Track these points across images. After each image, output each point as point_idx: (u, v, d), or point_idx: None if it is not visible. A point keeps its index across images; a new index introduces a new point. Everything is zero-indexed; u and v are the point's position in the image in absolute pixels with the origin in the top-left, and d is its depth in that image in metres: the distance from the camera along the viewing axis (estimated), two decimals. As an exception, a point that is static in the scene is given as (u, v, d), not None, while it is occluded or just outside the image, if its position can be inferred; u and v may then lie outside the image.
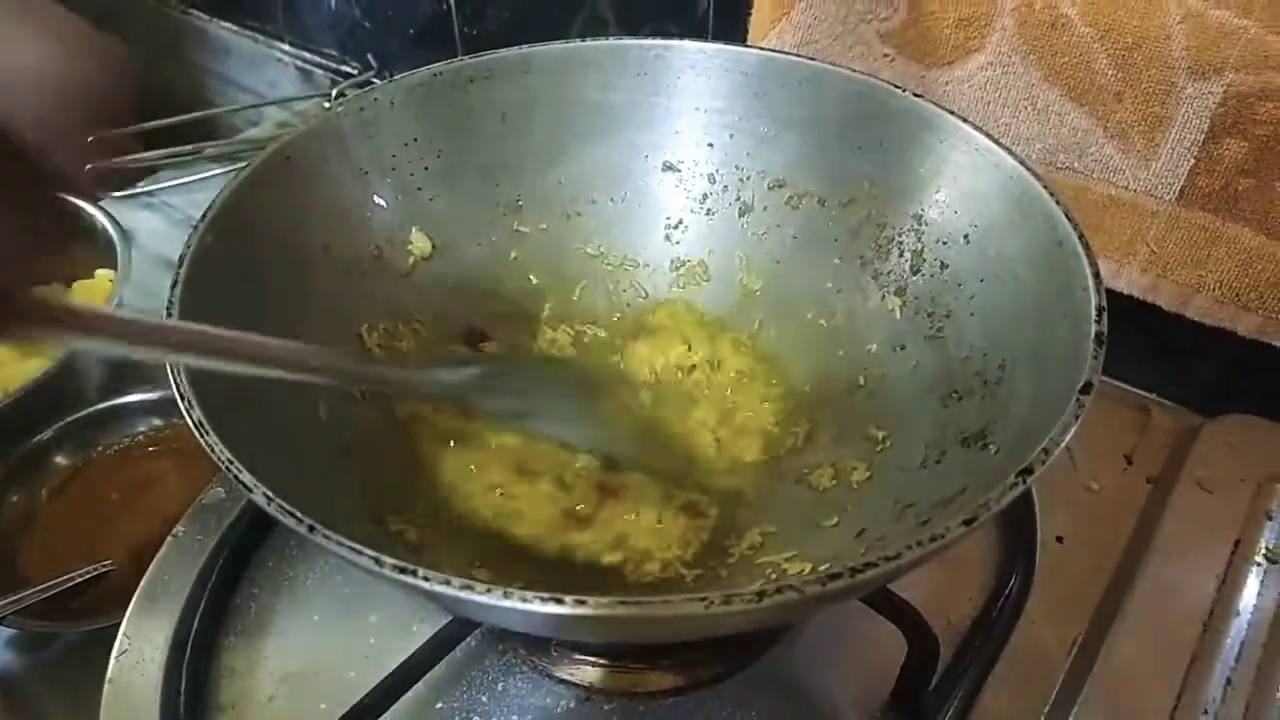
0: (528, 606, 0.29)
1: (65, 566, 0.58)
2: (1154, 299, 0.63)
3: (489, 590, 0.29)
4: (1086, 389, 0.36)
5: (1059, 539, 0.57)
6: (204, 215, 0.44)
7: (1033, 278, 0.45)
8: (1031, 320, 0.44)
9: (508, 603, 0.29)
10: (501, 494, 0.50)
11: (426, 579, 0.30)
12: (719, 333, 0.59)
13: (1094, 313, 0.39)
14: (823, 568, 0.42)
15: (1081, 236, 0.42)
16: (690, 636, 0.41)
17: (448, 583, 0.29)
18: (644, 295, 0.61)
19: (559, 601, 0.29)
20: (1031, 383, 0.42)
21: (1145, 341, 0.63)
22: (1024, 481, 0.33)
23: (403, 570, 0.30)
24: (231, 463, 0.33)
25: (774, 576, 0.43)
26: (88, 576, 0.58)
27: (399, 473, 0.49)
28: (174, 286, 0.40)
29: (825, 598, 0.30)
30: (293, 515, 0.32)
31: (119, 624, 0.51)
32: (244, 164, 0.48)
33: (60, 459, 0.65)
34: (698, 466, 0.52)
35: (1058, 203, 0.44)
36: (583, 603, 0.29)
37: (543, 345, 0.58)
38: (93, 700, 0.49)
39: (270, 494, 0.32)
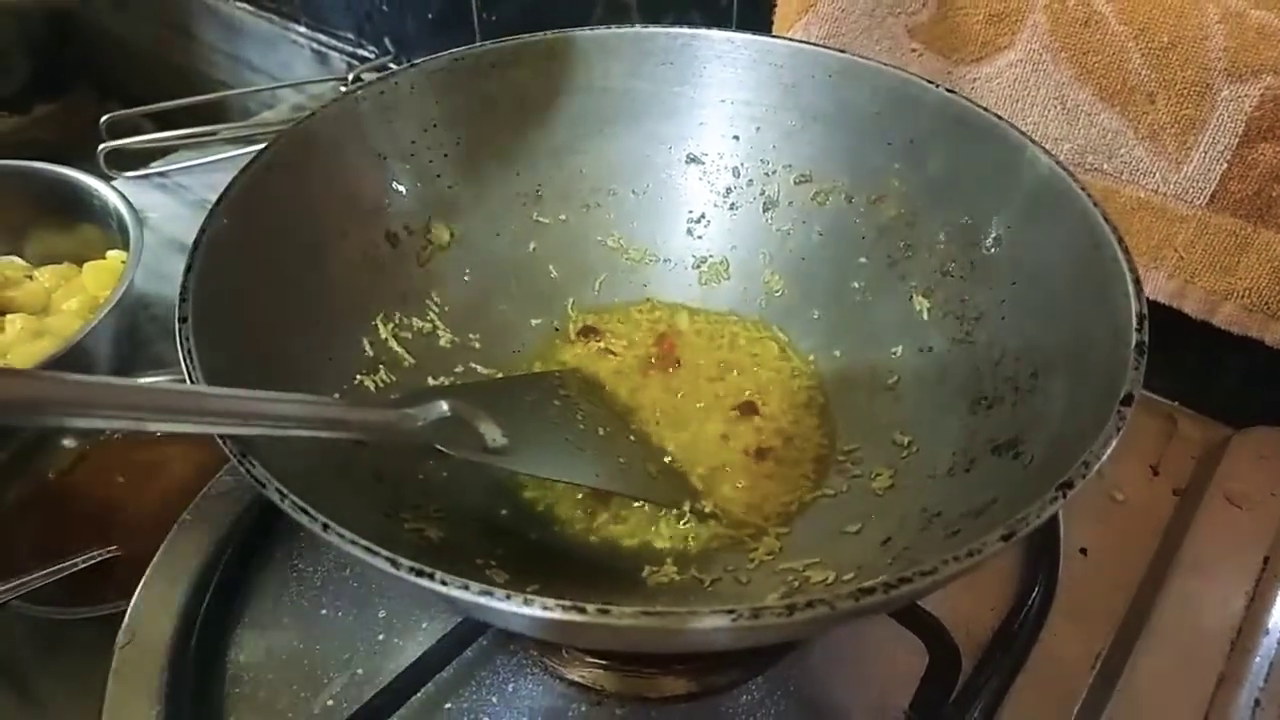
0: (549, 614, 0.28)
1: (70, 551, 0.57)
2: (1181, 305, 0.62)
3: (509, 596, 0.28)
4: (1128, 401, 0.34)
5: (1083, 550, 0.55)
6: (220, 199, 0.43)
7: (1068, 282, 0.44)
8: (1066, 326, 0.43)
9: (528, 610, 0.28)
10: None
11: (444, 583, 0.29)
12: (739, 332, 0.58)
13: (1135, 320, 0.38)
14: (846, 576, 0.41)
15: (1120, 240, 0.41)
16: (715, 648, 0.40)
17: (466, 587, 0.28)
18: (665, 291, 0.60)
19: (581, 610, 0.28)
20: (1066, 391, 0.41)
21: (1171, 349, 0.62)
22: (1063, 496, 0.32)
23: (419, 573, 0.29)
24: (244, 456, 0.32)
25: (795, 584, 0.42)
26: (93, 562, 0.57)
27: (415, 466, 0.48)
28: (187, 271, 0.39)
29: (857, 613, 0.29)
30: (306, 513, 0.31)
31: (124, 610, 0.50)
32: (260, 146, 0.47)
33: (67, 442, 0.64)
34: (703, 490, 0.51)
35: (1095, 205, 0.43)
36: (605, 612, 0.28)
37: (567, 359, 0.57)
38: (96, 686, 0.48)
39: (283, 490, 0.31)
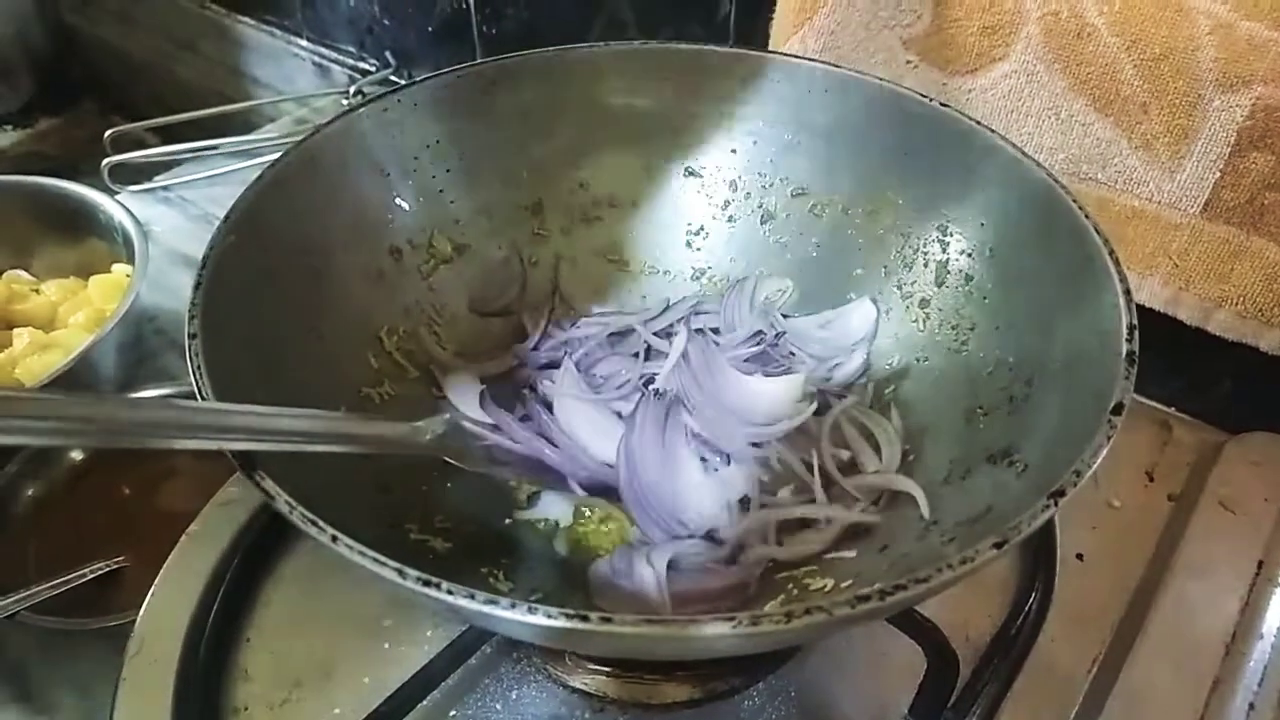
0: (552, 623, 0.28)
1: (78, 562, 0.57)
2: (1175, 313, 0.63)
3: (514, 605, 0.29)
4: (1118, 410, 0.35)
5: (1079, 556, 0.56)
6: (226, 216, 0.44)
7: (1060, 293, 0.44)
8: (1059, 337, 0.43)
9: (532, 619, 0.29)
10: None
11: (450, 592, 0.29)
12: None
13: (1125, 331, 0.38)
14: (844, 584, 0.41)
15: (1112, 252, 0.42)
16: (715, 655, 0.41)
17: (472, 596, 0.29)
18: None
19: (584, 619, 0.28)
20: (1059, 400, 0.41)
21: (1166, 355, 0.62)
22: (1055, 504, 0.32)
23: (426, 583, 0.30)
24: (253, 470, 0.33)
25: (795, 591, 0.43)
26: (100, 573, 0.57)
27: (420, 478, 0.48)
28: (196, 288, 0.40)
29: (854, 619, 0.29)
30: (315, 524, 0.31)
31: (132, 621, 0.51)
32: (264, 161, 0.48)
33: (74, 454, 0.65)
34: None
35: (1087, 217, 0.44)
36: (608, 620, 0.28)
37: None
38: (105, 697, 0.48)
39: (292, 502, 0.32)
